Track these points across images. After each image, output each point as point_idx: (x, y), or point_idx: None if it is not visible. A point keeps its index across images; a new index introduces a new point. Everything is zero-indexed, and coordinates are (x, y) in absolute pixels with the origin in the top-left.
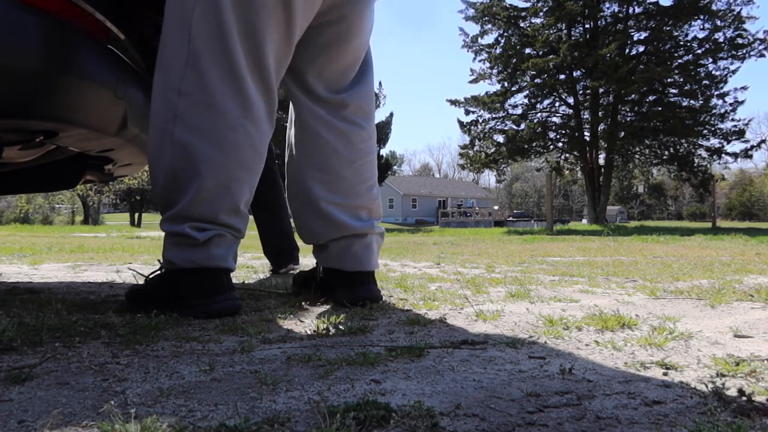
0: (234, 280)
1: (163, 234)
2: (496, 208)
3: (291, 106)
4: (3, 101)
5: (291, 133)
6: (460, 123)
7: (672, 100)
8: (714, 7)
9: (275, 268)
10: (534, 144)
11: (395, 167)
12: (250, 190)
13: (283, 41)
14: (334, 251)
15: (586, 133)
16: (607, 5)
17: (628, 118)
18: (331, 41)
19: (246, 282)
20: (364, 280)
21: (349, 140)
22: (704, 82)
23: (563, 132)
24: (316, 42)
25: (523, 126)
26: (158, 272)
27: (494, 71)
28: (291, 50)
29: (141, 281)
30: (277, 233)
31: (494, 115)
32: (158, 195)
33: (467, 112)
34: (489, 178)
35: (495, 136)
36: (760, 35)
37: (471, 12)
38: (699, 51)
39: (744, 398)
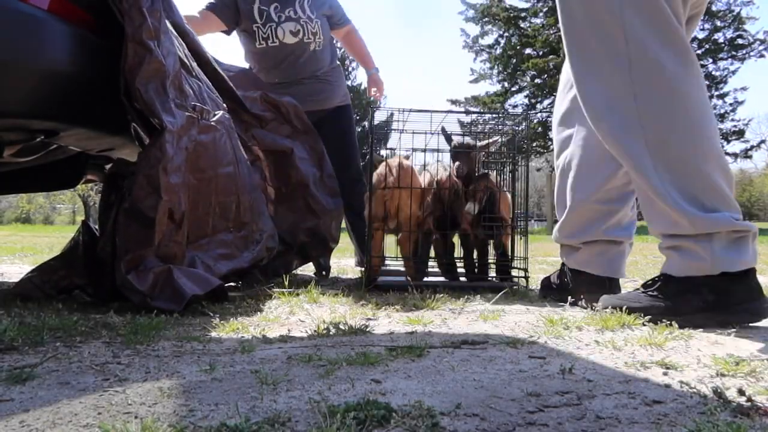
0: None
1: None
2: None
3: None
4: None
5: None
6: (461, 123)
7: None
8: (714, 8)
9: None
10: (534, 144)
11: None
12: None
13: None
14: (585, 254)
15: None
16: None
17: None
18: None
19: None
20: (606, 285)
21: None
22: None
23: None
24: None
25: (522, 126)
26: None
27: (494, 71)
28: None
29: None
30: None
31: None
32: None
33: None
34: None
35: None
36: (761, 36)
37: (471, 13)
38: (699, 51)
39: (744, 398)
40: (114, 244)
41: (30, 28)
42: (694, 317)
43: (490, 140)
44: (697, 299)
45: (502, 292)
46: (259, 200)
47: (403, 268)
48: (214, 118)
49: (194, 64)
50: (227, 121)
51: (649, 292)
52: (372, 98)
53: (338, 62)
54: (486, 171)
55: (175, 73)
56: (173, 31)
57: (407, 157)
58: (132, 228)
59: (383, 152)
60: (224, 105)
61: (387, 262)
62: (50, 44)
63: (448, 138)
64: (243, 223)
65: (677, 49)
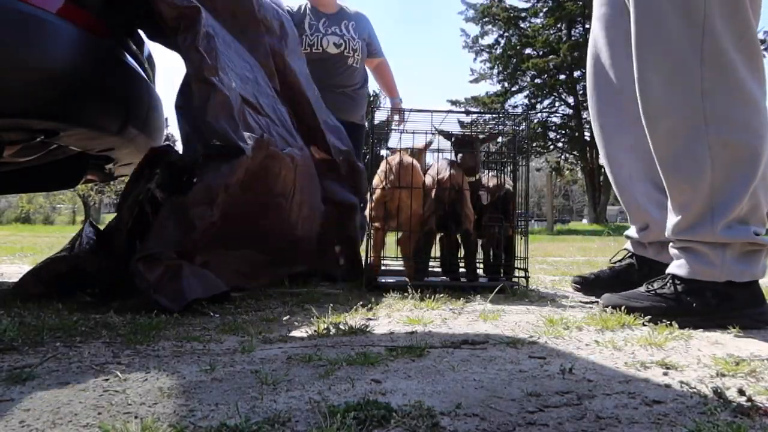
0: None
1: None
2: None
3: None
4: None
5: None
6: (460, 123)
7: None
8: None
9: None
10: (534, 144)
11: None
12: None
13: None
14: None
15: (586, 133)
16: None
17: None
18: None
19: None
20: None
21: None
22: None
23: (563, 132)
24: None
25: (523, 126)
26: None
27: (495, 71)
28: None
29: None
30: None
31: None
32: (702, 203)
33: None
34: None
35: None
36: (761, 36)
37: (471, 13)
38: None
39: (744, 398)
40: (132, 229)
41: (32, 29)
42: (695, 319)
43: (492, 132)
44: (700, 302)
45: (498, 287)
46: (302, 242)
47: (403, 268)
48: (283, 151)
49: (264, 102)
50: (299, 158)
51: (653, 292)
52: (394, 124)
53: (366, 88)
54: (491, 171)
55: (238, 108)
56: (264, 70)
57: (416, 151)
58: (168, 227)
59: (383, 152)
60: (301, 146)
61: (387, 262)
62: (51, 44)
63: (448, 135)
64: (272, 251)
65: (749, 54)
